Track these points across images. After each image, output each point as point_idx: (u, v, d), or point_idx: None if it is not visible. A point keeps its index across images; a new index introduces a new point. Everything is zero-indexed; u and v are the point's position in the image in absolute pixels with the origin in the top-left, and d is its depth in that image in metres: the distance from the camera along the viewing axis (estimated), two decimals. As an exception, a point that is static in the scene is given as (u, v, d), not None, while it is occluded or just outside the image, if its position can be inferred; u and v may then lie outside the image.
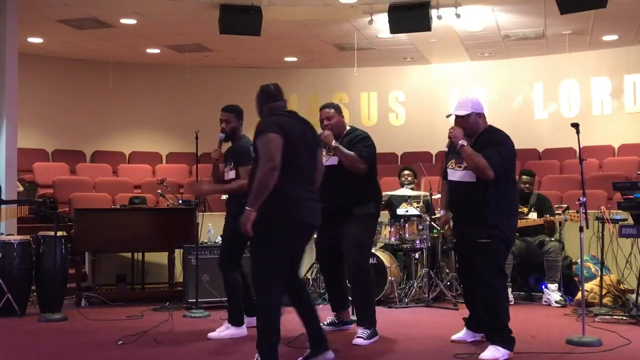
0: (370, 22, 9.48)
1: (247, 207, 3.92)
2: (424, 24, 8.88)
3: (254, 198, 3.92)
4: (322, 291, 6.95)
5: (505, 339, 4.58)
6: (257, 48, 11.51)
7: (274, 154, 3.94)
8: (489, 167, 4.59)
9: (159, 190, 7.95)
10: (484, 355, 4.49)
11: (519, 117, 12.42)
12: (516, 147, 10.87)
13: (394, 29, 9.06)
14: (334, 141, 5.12)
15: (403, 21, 8.86)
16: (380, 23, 9.63)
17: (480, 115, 4.86)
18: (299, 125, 4.21)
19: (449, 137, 4.84)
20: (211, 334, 5.30)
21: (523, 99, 12.61)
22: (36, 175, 11.18)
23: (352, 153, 5.11)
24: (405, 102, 13.26)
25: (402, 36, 10.40)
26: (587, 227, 5.23)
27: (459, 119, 4.86)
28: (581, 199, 5.10)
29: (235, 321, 5.30)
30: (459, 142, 4.69)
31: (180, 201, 7.71)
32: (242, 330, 5.30)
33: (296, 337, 3.96)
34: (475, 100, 4.90)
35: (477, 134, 4.86)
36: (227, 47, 11.53)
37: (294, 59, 12.50)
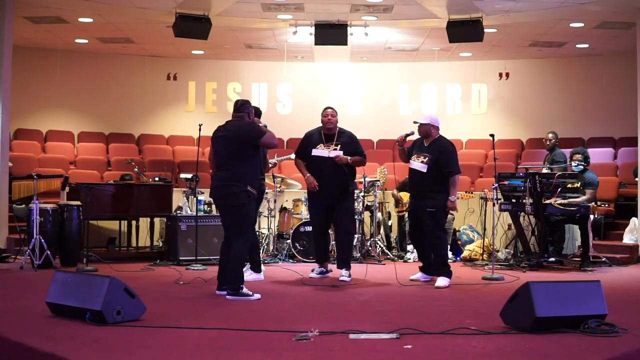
0: (295, 32, 11.52)
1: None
2: (342, 39, 11.10)
3: None
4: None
5: (448, 272, 7.03)
6: (174, 42, 12.99)
7: None
8: (455, 181, 7.07)
9: (136, 168, 9.49)
10: (437, 283, 6.91)
11: (387, 112, 14.89)
12: (383, 138, 14.35)
13: (318, 41, 11.19)
14: (348, 158, 7.23)
15: (326, 36, 11.03)
16: (300, 33, 11.70)
17: (434, 127, 7.19)
18: None
19: (420, 135, 7.20)
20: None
21: (391, 97, 15.12)
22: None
23: (359, 157, 7.34)
24: (292, 94, 15.30)
25: (308, 41, 12.50)
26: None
27: (420, 125, 7.18)
28: (494, 184, 7.66)
29: (256, 269, 7.21)
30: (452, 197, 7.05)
31: (157, 178, 9.28)
32: (261, 276, 7.22)
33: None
34: (434, 117, 7.29)
35: (430, 138, 7.19)
36: (147, 40, 12.93)
37: (201, 52, 14.11)
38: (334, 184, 7.20)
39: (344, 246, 7.43)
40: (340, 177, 7.20)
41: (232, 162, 6.09)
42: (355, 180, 7.96)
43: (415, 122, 7.30)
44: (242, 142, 6.12)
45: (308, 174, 7.35)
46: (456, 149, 7.33)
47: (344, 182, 7.24)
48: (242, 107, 6.33)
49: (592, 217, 8.75)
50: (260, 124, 6.60)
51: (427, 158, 7.08)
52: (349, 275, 7.27)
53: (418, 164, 7.12)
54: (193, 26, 10.54)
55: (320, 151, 7.33)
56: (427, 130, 7.20)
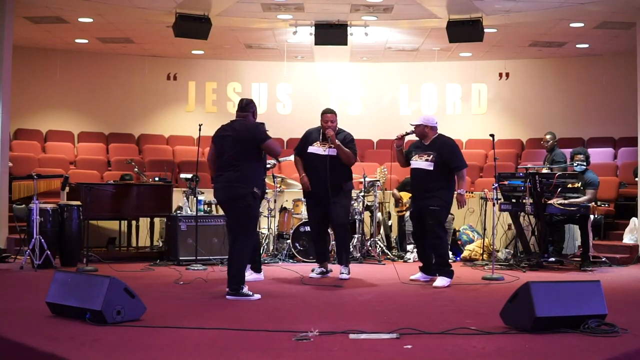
0: (295, 32, 11.53)
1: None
2: (342, 39, 11.12)
3: None
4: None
5: (448, 272, 7.02)
6: (174, 42, 12.98)
7: None
8: (463, 175, 7.13)
9: (136, 168, 9.49)
10: (436, 283, 6.92)
11: (387, 112, 14.88)
12: (383, 138, 14.41)
13: (318, 41, 11.20)
14: (337, 140, 7.20)
15: (326, 36, 11.05)
16: (300, 33, 11.71)
17: (429, 127, 7.20)
18: None
19: (417, 136, 7.23)
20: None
21: (391, 97, 15.12)
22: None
23: (349, 150, 7.25)
24: (292, 94, 15.28)
25: (308, 41, 12.51)
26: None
27: (415, 127, 7.21)
28: (494, 184, 7.66)
29: (257, 269, 7.21)
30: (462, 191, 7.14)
31: (157, 178, 9.28)
32: (260, 276, 7.23)
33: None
34: (428, 117, 7.31)
35: (427, 138, 7.20)
36: (147, 40, 12.93)
37: (201, 52, 14.10)
38: (328, 181, 7.18)
39: (341, 243, 7.44)
40: (334, 176, 7.19)
41: (238, 162, 6.04)
42: (355, 180, 7.97)
43: (411, 125, 7.30)
44: (249, 142, 6.08)
45: (304, 174, 7.39)
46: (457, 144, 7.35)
47: (339, 180, 7.24)
48: (247, 106, 6.31)
49: (592, 217, 8.75)
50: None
51: (431, 156, 7.08)
52: (348, 272, 7.31)
53: (422, 162, 7.12)
54: (193, 26, 10.56)
55: (315, 149, 7.36)
56: (422, 131, 7.21)
